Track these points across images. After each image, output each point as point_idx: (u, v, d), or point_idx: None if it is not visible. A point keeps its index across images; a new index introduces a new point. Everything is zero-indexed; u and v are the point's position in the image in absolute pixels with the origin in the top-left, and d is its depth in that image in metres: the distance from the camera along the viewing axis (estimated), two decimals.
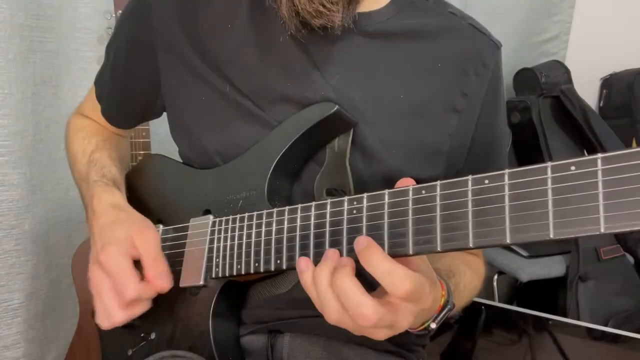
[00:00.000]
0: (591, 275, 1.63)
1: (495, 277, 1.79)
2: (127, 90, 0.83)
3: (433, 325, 0.58)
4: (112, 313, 0.63)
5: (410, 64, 0.71)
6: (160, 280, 0.63)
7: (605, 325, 1.53)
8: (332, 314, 0.50)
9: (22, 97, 1.27)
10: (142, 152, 1.33)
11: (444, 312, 0.58)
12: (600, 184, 0.38)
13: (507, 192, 0.43)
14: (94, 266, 0.65)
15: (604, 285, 1.64)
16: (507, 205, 0.42)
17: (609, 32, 2.05)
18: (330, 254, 0.52)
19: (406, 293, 0.47)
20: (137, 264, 0.65)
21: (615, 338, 1.34)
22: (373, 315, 0.48)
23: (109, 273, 0.63)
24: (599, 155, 0.39)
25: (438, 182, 0.47)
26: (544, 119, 1.82)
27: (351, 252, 0.52)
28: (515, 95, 2.06)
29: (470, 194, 0.45)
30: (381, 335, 0.52)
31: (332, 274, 0.50)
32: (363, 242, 0.50)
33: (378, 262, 0.48)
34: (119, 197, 0.74)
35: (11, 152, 1.26)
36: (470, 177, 0.45)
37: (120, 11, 1.33)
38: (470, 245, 0.44)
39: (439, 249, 0.46)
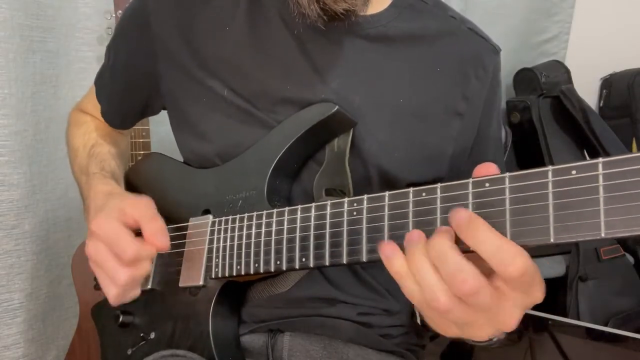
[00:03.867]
0: (591, 275, 1.63)
1: None
2: (126, 92, 0.84)
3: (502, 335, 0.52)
4: (116, 275, 0.60)
5: (410, 68, 0.71)
6: (157, 238, 0.60)
7: (605, 325, 1.53)
8: (442, 296, 0.42)
9: (22, 97, 1.27)
10: (142, 152, 1.33)
11: None
12: (601, 189, 0.38)
13: (507, 195, 0.42)
14: (88, 240, 0.63)
15: (604, 285, 1.63)
16: (508, 208, 0.42)
17: (609, 32, 2.05)
18: (416, 236, 0.45)
19: (518, 272, 0.40)
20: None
21: (615, 338, 1.34)
22: (473, 280, 0.40)
23: (104, 239, 0.61)
24: (600, 159, 0.38)
25: (438, 185, 0.47)
26: (544, 119, 1.82)
27: (351, 255, 0.52)
28: (515, 95, 2.06)
29: (470, 197, 0.44)
30: (480, 328, 0.44)
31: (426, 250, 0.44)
32: (464, 216, 0.43)
33: (485, 235, 0.41)
34: (116, 187, 0.74)
35: (11, 152, 1.26)
36: (470, 180, 0.45)
37: (120, 11, 1.33)
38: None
39: None
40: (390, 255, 0.46)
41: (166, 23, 0.74)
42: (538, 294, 0.43)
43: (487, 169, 0.45)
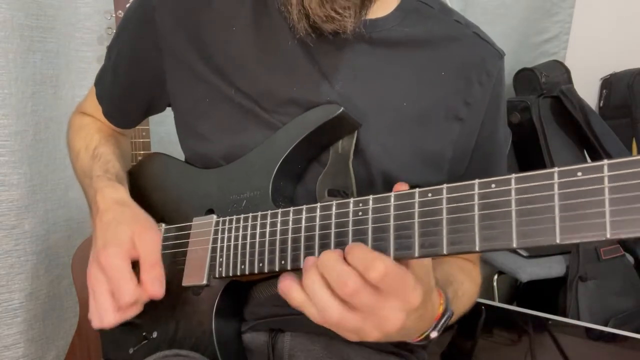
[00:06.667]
0: (591, 275, 1.63)
1: (495, 277, 1.79)
2: (130, 89, 0.83)
3: (434, 334, 0.57)
4: (104, 315, 0.63)
5: (414, 72, 0.71)
6: (154, 287, 0.63)
7: (605, 325, 1.53)
8: (333, 308, 0.49)
9: (22, 97, 1.27)
10: (142, 152, 1.33)
11: (443, 320, 0.57)
12: (606, 190, 0.38)
13: (513, 196, 0.43)
14: (93, 264, 0.65)
15: (604, 285, 1.64)
16: (514, 209, 0.42)
17: (609, 32, 2.05)
18: (310, 262, 0.51)
19: (379, 275, 0.46)
20: (136, 264, 0.65)
21: (615, 338, 1.35)
22: (353, 283, 0.47)
23: (107, 275, 0.63)
24: (606, 161, 0.39)
25: (444, 186, 0.47)
26: (544, 119, 1.82)
27: None
28: (515, 95, 2.06)
29: (476, 197, 0.44)
30: (370, 333, 0.50)
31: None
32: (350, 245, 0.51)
33: (355, 247, 0.49)
34: (123, 193, 0.74)
35: (11, 152, 1.26)
36: (477, 180, 0.45)
37: (120, 11, 1.33)
38: (477, 249, 0.44)
39: (444, 252, 0.46)
40: (287, 290, 0.52)
41: (171, 20, 0.74)
42: (412, 298, 0.48)
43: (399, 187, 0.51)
